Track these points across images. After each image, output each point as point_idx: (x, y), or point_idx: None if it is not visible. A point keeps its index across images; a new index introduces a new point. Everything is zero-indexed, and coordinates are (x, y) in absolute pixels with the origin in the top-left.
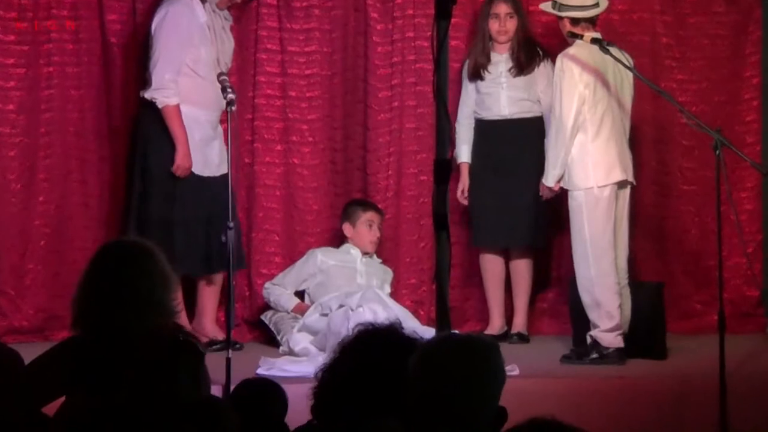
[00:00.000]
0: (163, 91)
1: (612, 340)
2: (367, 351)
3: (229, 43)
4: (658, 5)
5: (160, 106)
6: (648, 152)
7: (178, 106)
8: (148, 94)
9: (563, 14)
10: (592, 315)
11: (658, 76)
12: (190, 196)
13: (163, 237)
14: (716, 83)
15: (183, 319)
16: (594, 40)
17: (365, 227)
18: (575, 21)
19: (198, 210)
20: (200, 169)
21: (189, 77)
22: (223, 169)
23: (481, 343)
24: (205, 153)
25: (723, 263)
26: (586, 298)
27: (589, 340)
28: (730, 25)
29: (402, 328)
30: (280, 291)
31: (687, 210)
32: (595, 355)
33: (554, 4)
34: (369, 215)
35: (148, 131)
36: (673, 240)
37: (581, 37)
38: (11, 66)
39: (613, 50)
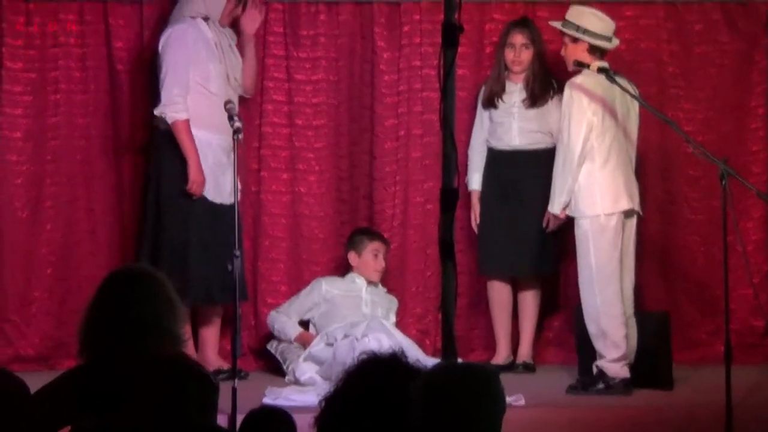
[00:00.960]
0: (172, 107)
1: (618, 370)
2: (370, 379)
3: (236, 60)
4: (665, 34)
5: (169, 122)
6: (654, 181)
7: (187, 122)
8: (158, 111)
9: (589, 40)
10: (598, 345)
11: (664, 105)
12: (202, 222)
13: (176, 263)
14: (722, 113)
15: (190, 348)
16: (600, 69)
17: (371, 257)
18: (592, 49)
19: (210, 236)
20: (212, 195)
21: (201, 95)
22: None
23: (481, 372)
24: (217, 178)
25: (729, 293)
26: (592, 327)
27: (595, 370)
28: (737, 55)
29: (405, 357)
30: (284, 319)
31: (693, 239)
32: (601, 386)
33: (576, 27)
34: (375, 245)
35: (159, 156)
36: (679, 270)
37: (588, 66)
38: (18, 93)
39: (620, 79)
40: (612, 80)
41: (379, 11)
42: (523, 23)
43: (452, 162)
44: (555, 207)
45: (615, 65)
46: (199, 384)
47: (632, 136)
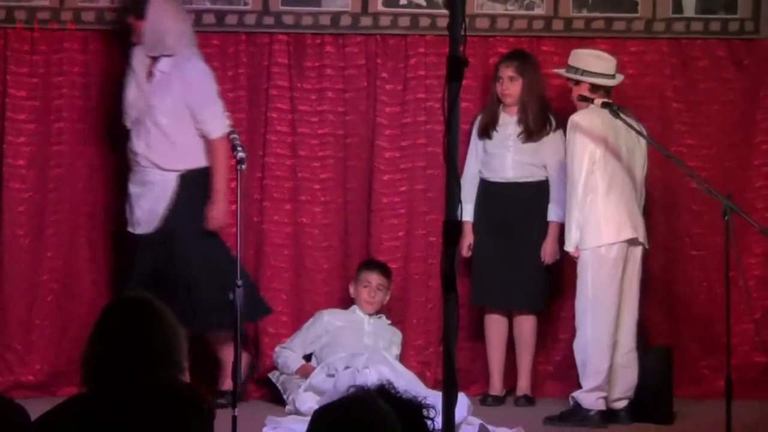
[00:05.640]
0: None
1: (593, 402)
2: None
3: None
4: (669, 70)
5: (224, 131)
6: (657, 217)
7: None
8: (219, 131)
9: (588, 80)
10: (581, 374)
11: (668, 141)
12: (213, 249)
13: (188, 290)
14: (726, 149)
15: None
16: (605, 105)
17: (362, 287)
18: (594, 87)
19: (224, 263)
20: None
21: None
22: None
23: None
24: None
25: (731, 329)
26: (579, 356)
27: (571, 401)
28: (741, 91)
29: (393, 388)
30: (288, 353)
31: (695, 275)
32: (577, 417)
33: (575, 70)
34: (366, 276)
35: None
36: (682, 305)
37: (592, 101)
38: (22, 121)
39: (624, 115)
40: (616, 115)
41: (385, 43)
42: (513, 56)
43: (455, 195)
44: (571, 245)
45: (619, 100)
46: (194, 411)
47: (637, 172)
